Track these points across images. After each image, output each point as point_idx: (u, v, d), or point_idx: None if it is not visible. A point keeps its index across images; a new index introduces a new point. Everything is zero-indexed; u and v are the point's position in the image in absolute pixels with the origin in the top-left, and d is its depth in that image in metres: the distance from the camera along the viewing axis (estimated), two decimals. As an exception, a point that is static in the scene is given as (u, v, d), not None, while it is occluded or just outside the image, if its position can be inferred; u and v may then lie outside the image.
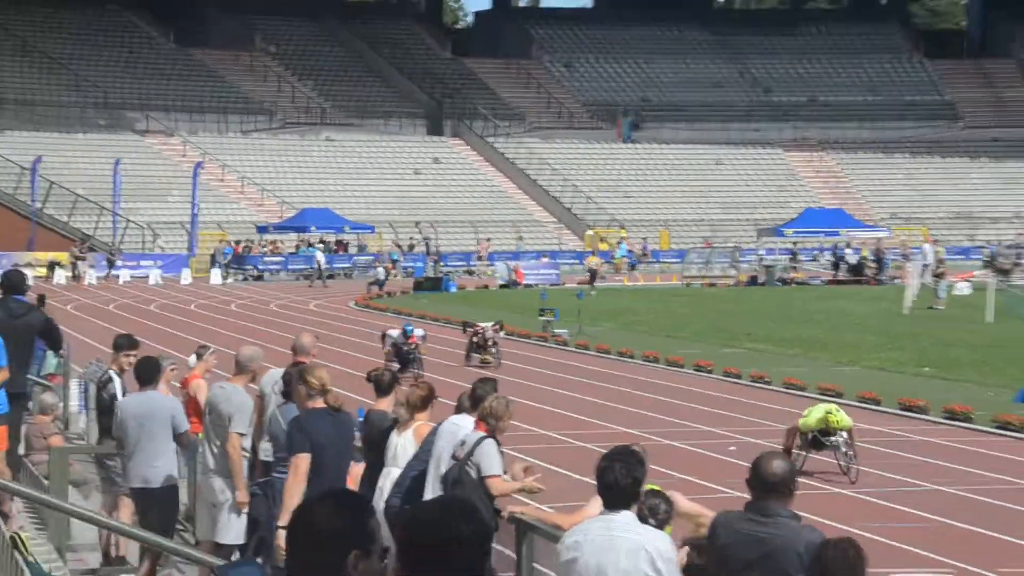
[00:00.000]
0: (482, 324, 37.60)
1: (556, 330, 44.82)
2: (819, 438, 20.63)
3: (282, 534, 10.15)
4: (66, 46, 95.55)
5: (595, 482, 8.86)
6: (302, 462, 11.95)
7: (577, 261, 79.23)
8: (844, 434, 20.60)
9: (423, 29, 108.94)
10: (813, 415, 20.93)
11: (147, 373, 15.31)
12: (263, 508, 13.85)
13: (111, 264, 74.62)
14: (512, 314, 50.14)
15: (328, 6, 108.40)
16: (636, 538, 8.34)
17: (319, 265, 73.59)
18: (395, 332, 32.44)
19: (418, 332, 32.60)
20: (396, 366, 29.12)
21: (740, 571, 8.45)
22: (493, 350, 36.28)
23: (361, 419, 15.13)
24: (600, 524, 8.59)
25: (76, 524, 15.26)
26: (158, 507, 14.88)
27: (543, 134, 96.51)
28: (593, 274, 71.01)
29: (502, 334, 38.22)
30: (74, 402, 22.32)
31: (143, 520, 15.03)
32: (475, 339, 36.70)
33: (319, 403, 12.34)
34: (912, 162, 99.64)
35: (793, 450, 20.91)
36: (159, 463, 14.66)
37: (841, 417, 20.76)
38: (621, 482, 8.45)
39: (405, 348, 31.58)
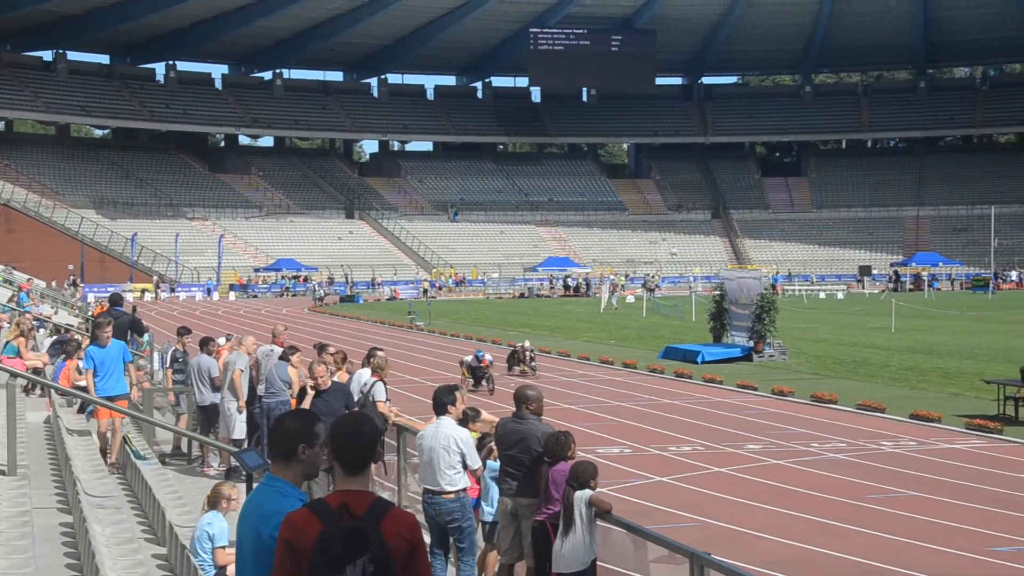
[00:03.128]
0: (521, 343, 29.51)
1: (417, 323, 45.93)
2: None
3: None
4: (150, 173, 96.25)
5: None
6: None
7: (427, 285, 77.44)
8: None
9: (341, 161, 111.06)
10: None
11: (205, 345, 16.10)
12: (260, 418, 13.99)
13: (173, 289, 76.78)
14: (392, 315, 52.06)
15: (289, 151, 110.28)
16: (449, 431, 9.00)
17: (315, 290, 74.81)
18: (468, 358, 25.71)
19: (488, 357, 25.59)
20: (470, 382, 24.96)
21: (508, 448, 8.84)
22: (532, 363, 28.65)
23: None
24: (433, 424, 9.19)
25: (157, 430, 15.59)
26: (207, 415, 15.63)
27: (408, 218, 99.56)
28: (426, 291, 73.98)
29: (535, 351, 29.66)
30: (156, 364, 21.51)
31: (201, 423, 15.92)
32: (516, 355, 28.83)
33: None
34: (602, 233, 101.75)
35: None
36: (207, 393, 15.48)
37: None
38: (442, 401, 9.18)
39: (478, 369, 25.23)
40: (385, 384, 12.43)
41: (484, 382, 25.53)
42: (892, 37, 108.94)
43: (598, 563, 8.19)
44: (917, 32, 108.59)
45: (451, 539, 9.06)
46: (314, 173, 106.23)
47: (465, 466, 9.01)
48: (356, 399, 12.08)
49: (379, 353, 12.84)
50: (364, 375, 12.50)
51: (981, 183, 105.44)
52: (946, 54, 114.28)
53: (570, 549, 7.93)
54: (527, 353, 28.94)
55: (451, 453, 8.95)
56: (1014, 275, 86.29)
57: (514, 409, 9.16)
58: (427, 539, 9.09)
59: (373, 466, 11.82)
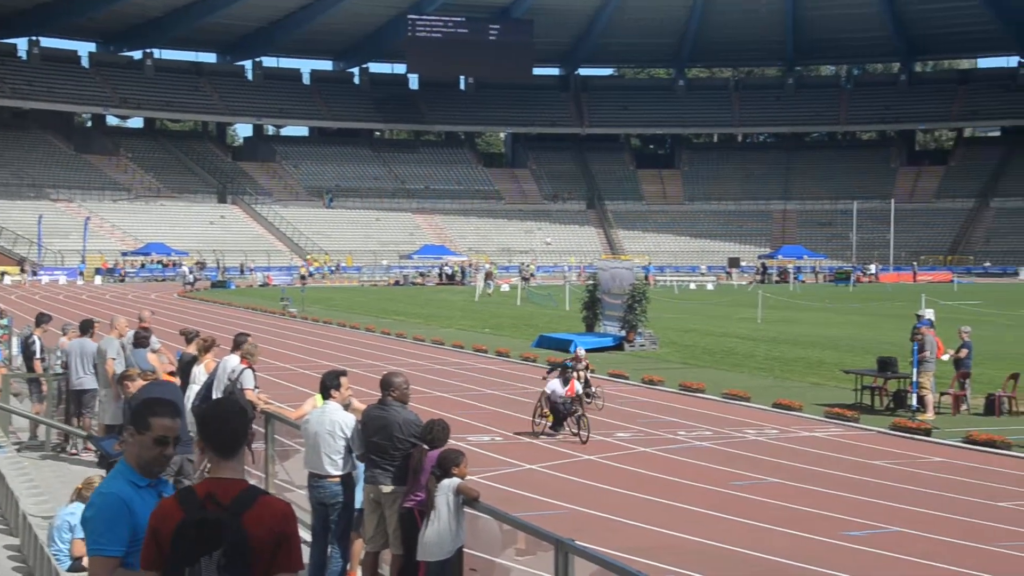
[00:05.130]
0: (569, 357, 21.32)
1: (291, 309, 45.75)
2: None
3: None
4: (11, 152, 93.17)
5: (317, 386, 9.62)
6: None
7: (303, 270, 76.36)
8: None
9: (214, 144, 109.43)
10: None
11: (85, 328, 15.75)
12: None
13: (35, 273, 74.78)
14: (265, 301, 51.73)
15: (160, 133, 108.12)
16: (335, 416, 9.01)
17: (185, 274, 71.97)
18: (552, 385, 17.65)
19: (577, 383, 17.98)
20: (543, 423, 17.82)
21: (371, 435, 8.78)
22: (592, 389, 20.36)
23: (179, 357, 14.66)
24: (320, 409, 9.26)
25: (14, 418, 15.27)
26: (82, 400, 15.30)
27: (282, 203, 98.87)
28: (303, 277, 72.99)
29: (590, 370, 21.56)
30: (14, 350, 20.47)
31: (75, 408, 15.50)
32: (567, 372, 18.36)
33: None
34: (478, 222, 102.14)
35: None
36: (86, 378, 15.16)
37: None
38: (328, 385, 9.20)
39: (562, 404, 17.45)
40: (254, 371, 12.32)
41: (572, 424, 17.67)
42: (762, 34, 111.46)
43: (465, 551, 8.14)
44: (786, 30, 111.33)
45: (330, 518, 9.06)
46: (186, 156, 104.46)
47: (350, 451, 9.00)
48: (224, 387, 11.97)
49: (247, 339, 12.68)
50: (232, 362, 12.32)
51: (844, 179, 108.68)
52: (813, 52, 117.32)
53: (435, 537, 7.92)
54: (580, 371, 19.69)
55: (336, 438, 8.94)
56: (873, 268, 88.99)
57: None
58: (310, 523, 9.20)
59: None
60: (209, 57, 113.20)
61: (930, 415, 19.50)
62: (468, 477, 8.23)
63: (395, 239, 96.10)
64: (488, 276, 66.34)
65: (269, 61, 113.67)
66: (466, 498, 7.97)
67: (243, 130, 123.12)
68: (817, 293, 66.81)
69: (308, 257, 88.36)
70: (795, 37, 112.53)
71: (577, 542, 6.61)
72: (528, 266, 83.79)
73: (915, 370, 19.63)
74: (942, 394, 20.80)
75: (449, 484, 8.01)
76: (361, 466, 9.15)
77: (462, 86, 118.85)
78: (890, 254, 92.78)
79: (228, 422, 4.33)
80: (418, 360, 28.68)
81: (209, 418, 4.37)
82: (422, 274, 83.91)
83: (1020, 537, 11.86)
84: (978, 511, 13.03)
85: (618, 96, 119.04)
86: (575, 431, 17.49)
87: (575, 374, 18.48)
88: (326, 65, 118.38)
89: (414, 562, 8.26)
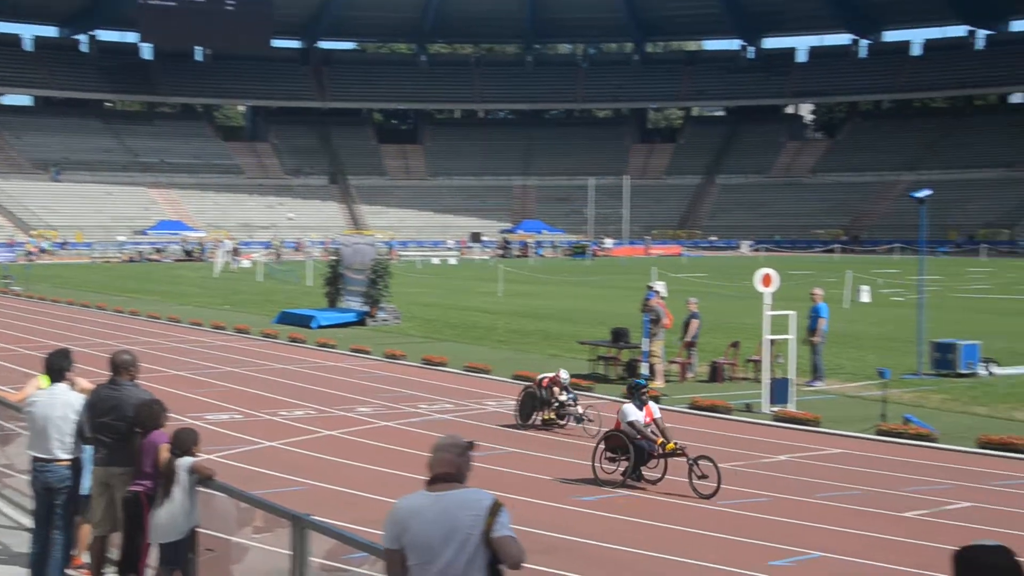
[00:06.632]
0: (548, 375, 16.95)
1: (14, 288, 44.61)
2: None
3: None
4: None
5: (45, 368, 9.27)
6: None
7: (29, 246, 75.18)
8: None
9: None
10: None
11: None
12: None
13: None
14: None
15: None
16: (66, 397, 8.69)
17: None
18: (630, 414, 13.10)
19: (651, 409, 13.36)
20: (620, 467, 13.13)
21: (102, 415, 8.40)
22: (576, 409, 16.48)
23: None
24: (48, 391, 8.88)
25: None
26: None
27: (4, 177, 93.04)
28: (29, 254, 70.88)
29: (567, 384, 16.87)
30: None
31: None
32: (540, 393, 16.62)
33: None
34: (216, 197, 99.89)
35: None
36: None
37: None
38: (57, 367, 8.88)
39: (646, 441, 12.94)
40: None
41: (659, 468, 13.16)
42: (502, 11, 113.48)
43: (202, 531, 8.04)
44: (524, 8, 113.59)
45: (56, 503, 8.76)
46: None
47: (81, 433, 8.72)
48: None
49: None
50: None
51: (581, 155, 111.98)
52: (551, 31, 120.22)
53: (167, 518, 7.77)
54: (559, 393, 16.77)
55: (67, 421, 8.69)
56: (608, 243, 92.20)
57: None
58: (32, 509, 9.03)
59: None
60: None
61: (660, 383, 20.44)
62: (202, 455, 8.10)
63: (129, 214, 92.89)
64: (235, 252, 65.25)
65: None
66: (200, 477, 7.83)
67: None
68: (555, 267, 68.89)
69: (32, 232, 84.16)
70: (534, 15, 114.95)
71: (315, 517, 6.63)
72: (279, 244, 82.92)
73: (646, 340, 20.51)
74: (671, 362, 21.87)
75: (182, 463, 7.87)
76: (88, 449, 8.86)
77: (199, 57, 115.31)
78: (624, 229, 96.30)
79: None
80: (153, 338, 28.20)
81: None
82: (159, 250, 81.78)
83: (739, 495, 12.61)
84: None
85: (360, 71, 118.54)
86: (657, 477, 13.03)
87: (550, 397, 16.43)
88: (50, 31, 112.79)
89: (138, 546, 8.10)
